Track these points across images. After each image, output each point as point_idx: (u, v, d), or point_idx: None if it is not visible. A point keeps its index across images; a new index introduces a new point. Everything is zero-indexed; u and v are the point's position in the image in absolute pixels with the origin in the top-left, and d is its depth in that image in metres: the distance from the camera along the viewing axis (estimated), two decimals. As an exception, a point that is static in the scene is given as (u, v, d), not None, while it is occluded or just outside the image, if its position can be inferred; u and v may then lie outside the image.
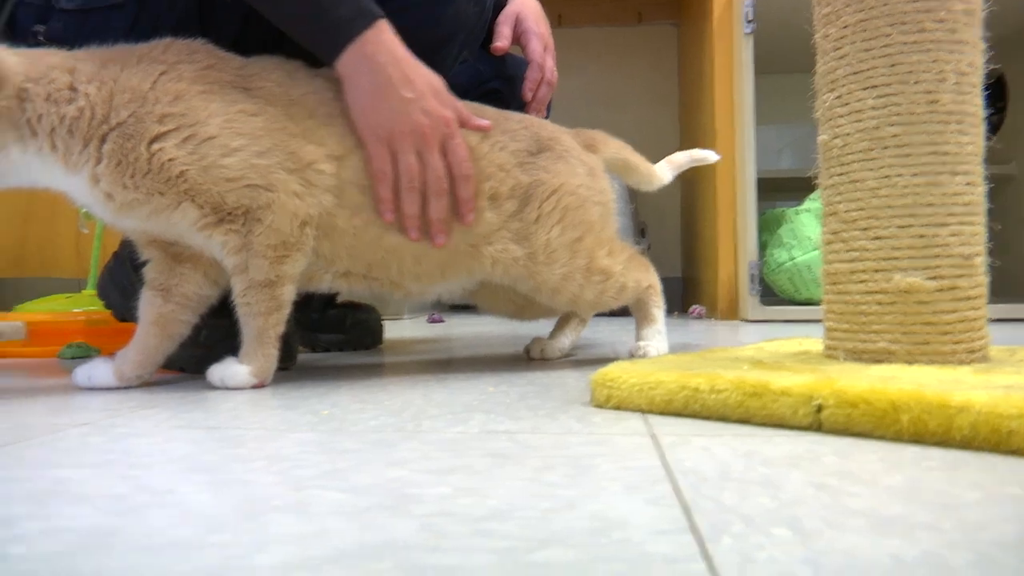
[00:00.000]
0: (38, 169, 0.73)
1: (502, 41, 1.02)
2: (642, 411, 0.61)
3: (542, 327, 1.11)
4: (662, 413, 0.60)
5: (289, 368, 0.98)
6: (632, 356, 0.93)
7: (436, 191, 0.81)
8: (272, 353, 0.79)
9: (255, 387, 0.78)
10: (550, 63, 1.10)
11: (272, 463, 0.46)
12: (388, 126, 0.79)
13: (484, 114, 0.88)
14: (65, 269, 2.10)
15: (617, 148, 1.01)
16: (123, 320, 1.02)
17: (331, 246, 0.81)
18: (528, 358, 1.03)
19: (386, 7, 0.82)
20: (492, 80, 1.04)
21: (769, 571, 0.28)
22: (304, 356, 1.18)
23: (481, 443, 0.51)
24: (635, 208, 2.27)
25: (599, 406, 0.64)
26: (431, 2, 0.89)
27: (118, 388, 0.78)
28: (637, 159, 1.03)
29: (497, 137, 0.87)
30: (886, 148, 0.68)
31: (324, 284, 0.85)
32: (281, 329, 0.79)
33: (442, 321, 2.02)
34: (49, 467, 0.46)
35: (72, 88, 0.72)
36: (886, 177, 0.68)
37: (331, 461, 0.46)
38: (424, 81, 0.81)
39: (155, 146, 0.72)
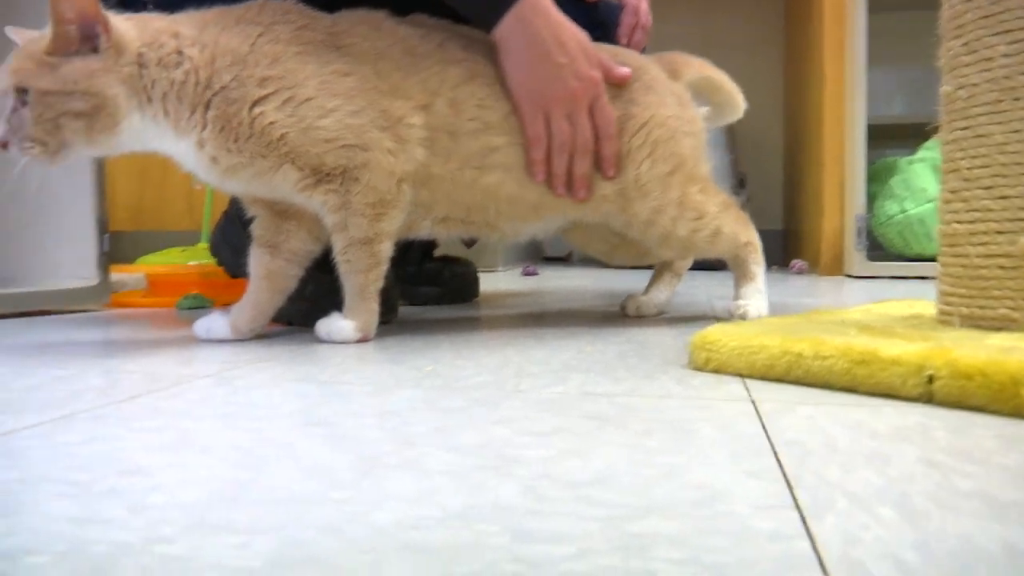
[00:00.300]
0: (153, 134, 0.76)
1: None
2: (741, 376, 0.61)
3: (636, 281, 1.11)
4: (763, 378, 0.60)
5: (390, 321, 1.01)
6: (731, 316, 0.91)
7: (582, 151, 0.84)
8: (374, 308, 0.82)
9: (359, 341, 0.81)
10: (644, 6, 1.07)
11: (383, 419, 0.48)
12: (544, 92, 0.82)
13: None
14: (179, 223, 2.22)
15: (699, 67, 0.98)
16: (235, 276, 1.08)
17: (429, 194, 0.83)
18: (623, 314, 1.03)
19: None
20: (584, 28, 1.02)
21: (874, 553, 0.28)
22: (403, 309, 1.22)
23: (581, 404, 0.52)
24: (734, 158, 2.20)
25: (698, 369, 0.64)
26: None
27: (234, 340, 0.83)
28: (721, 76, 1.00)
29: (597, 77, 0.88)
30: (1017, 100, 0.63)
31: (424, 231, 0.88)
32: (381, 284, 0.82)
33: (536, 274, 2.03)
34: (179, 417, 0.49)
35: (179, 52, 0.74)
36: (1016, 132, 0.63)
37: (438, 419, 0.48)
38: (575, 43, 0.83)
39: (256, 110, 0.74)
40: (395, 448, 0.42)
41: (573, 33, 0.83)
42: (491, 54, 0.85)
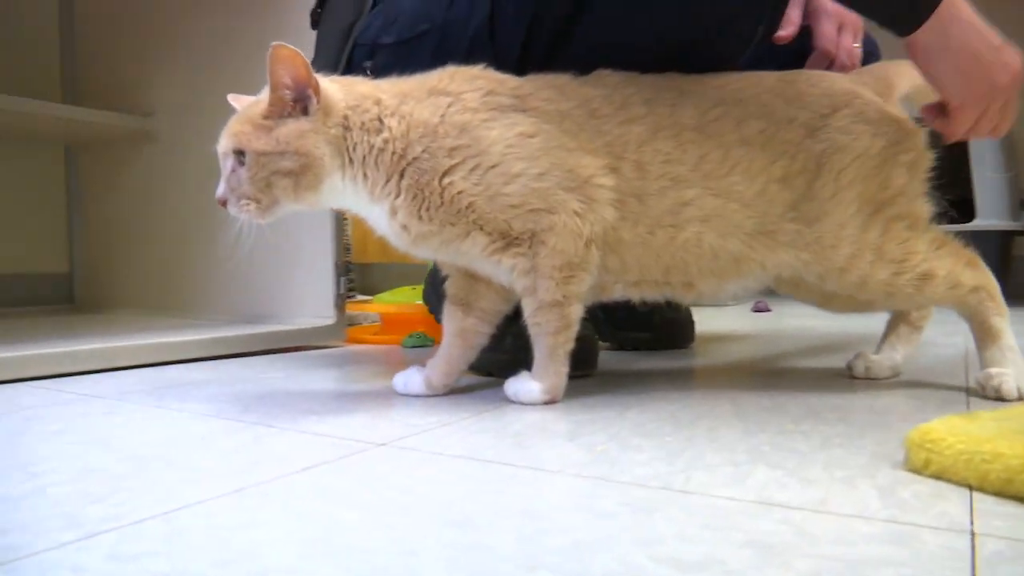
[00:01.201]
0: (351, 195, 0.79)
1: (787, 29, 0.89)
2: (970, 487, 0.50)
3: (874, 326, 0.97)
4: (999, 495, 0.48)
5: (589, 375, 0.98)
6: (983, 390, 0.76)
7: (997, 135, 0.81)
8: (562, 371, 0.79)
9: (546, 403, 0.79)
10: (847, 43, 0.95)
11: (524, 521, 0.45)
12: (992, 81, 0.76)
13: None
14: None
15: (911, 74, 0.84)
16: (440, 323, 1.11)
17: (619, 259, 0.80)
18: (850, 376, 0.91)
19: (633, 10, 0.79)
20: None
21: None
22: (611, 356, 1.18)
23: (749, 521, 0.45)
24: (1014, 175, 1.89)
25: (915, 471, 0.53)
26: None
27: (428, 396, 0.85)
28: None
29: (783, 111, 0.80)
30: None
31: (616, 294, 0.84)
32: (571, 346, 0.79)
33: (768, 310, 1.88)
34: (332, 501, 0.50)
35: (380, 119, 0.77)
36: None
37: (577, 529, 0.44)
38: (993, 36, 0.77)
39: (446, 180, 0.75)
40: (514, 570, 0.39)
41: (988, 32, 0.77)
42: (676, 100, 0.80)
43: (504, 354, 0.96)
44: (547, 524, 0.45)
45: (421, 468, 0.57)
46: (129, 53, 1.69)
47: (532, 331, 0.79)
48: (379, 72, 1.00)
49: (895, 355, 0.90)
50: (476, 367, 1.00)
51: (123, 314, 1.69)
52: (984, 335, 0.79)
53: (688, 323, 1.27)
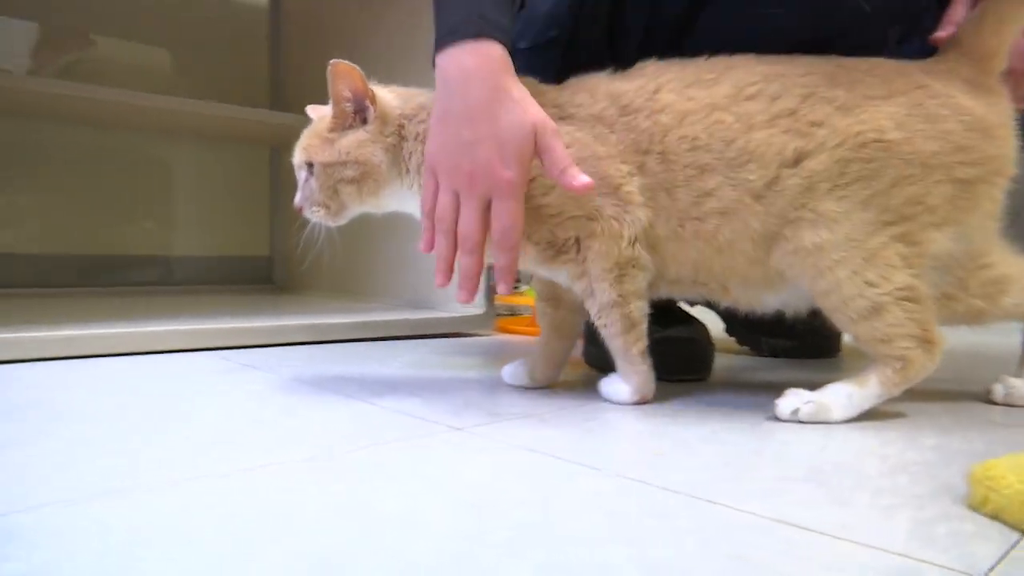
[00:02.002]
0: (411, 203, 0.84)
1: (946, 28, 0.81)
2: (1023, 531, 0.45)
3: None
4: (1050, 543, 0.44)
5: (703, 378, 0.97)
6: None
7: (463, 245, 0.73)
8: (643, 369, 0.79)
9: (638, 403, 0.80)
10: (1020, 44, 0.85)
11: (525, 512, 0.48)
12: (437, 157, 0.74)
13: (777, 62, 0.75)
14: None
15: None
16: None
17: (659, 256, 0.78)
18: (989, 401, 0.83)
19: (757, 5, 0.76)
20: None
21: None
22: (751, 361, 1.15)
23: (750, 535, 0.45)
24: None
25: (973, 508, 0.49)
26: None
27: (531, 388, 0.89)
28: None
29: (824, 92, 0.73)
30: None
31: (662, 292, 0.83)
32: (643, 344, 0.79)
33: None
34: (369, 480, 0.56)
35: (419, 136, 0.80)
36: None
37: (572, 524, 0.46)
38: (490, 130, 0.71)
39: None
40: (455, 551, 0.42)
41: (497, 113, 0.70)
42: (717, 78, 0.76)
43: (599, 348, 0.98)
44: (548, 518, 0.48)
45: (477, 454, 0.61)
46: (320, 60, 1.88)
47: (602, 333, 0.80)
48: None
49: None
50: (593, 362, 1.03)
51: (310, 295, 1.90)
52: (861, 376, 0.74)
53: (834, 333, 1.20)
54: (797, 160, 0.72)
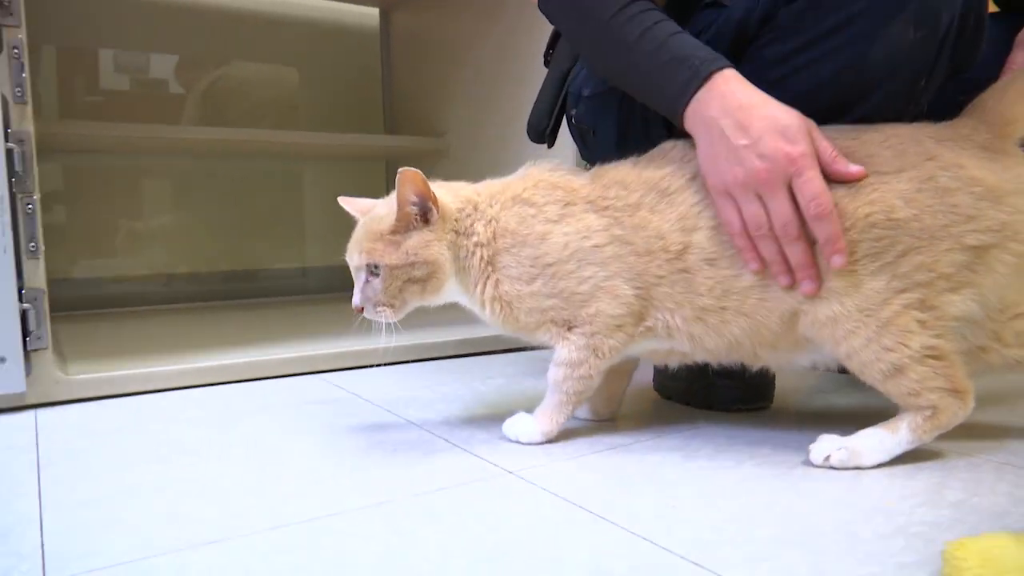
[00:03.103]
0: (458, 292, 0.89)
1: (1004, 75, 0.78)
2: (975, 615, 0.49)
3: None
4: (993, 629, 0.47)
5: (764, 407, 1.01)
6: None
7: (785, 236, 0.75)
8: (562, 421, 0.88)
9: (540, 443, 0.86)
10: None
11: (500, 562, 0.57)
12: (724, 178, 0.76)
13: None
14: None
15: None
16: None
17: (690, 336, 0.83)
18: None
19: (788, 62, 0.78)
20: None
21: None
22: (819, 382, 1.16)
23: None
24: None
25: (944, 585, 0.53)
26: (848, 42, 0.77)
27: (595, 421, 0.97)
28: None
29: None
30: None
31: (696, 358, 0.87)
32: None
33: None
34: (414, 532, 0.66)
35: (473, 224, 0.86)
36: None
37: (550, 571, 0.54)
38: (765, 124, 0.74)
39: (531, 288, 0.84)
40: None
41: (767, 114, 0.74)
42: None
43: (675, 380, 1.04)
44: (530, 566, 0.56)
45: (511, 502, 0.70)
46: (427, 86, 2.02)
47: (554, 375, 0.87)
48: (580, 120, 1.11)
49: None
50: (659, 390, 1.09)
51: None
52: (892, 422, 0.77)
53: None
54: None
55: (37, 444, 0.92)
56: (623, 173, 0.85)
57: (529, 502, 0.71)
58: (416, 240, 0.84)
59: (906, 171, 0.73)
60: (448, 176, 0.95)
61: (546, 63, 1.24)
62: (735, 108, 0.75)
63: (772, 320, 0.78)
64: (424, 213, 0.84)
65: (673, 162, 0.83)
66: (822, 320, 0.75)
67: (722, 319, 0.80)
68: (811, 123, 0.75)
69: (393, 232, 0.84)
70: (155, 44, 2.06)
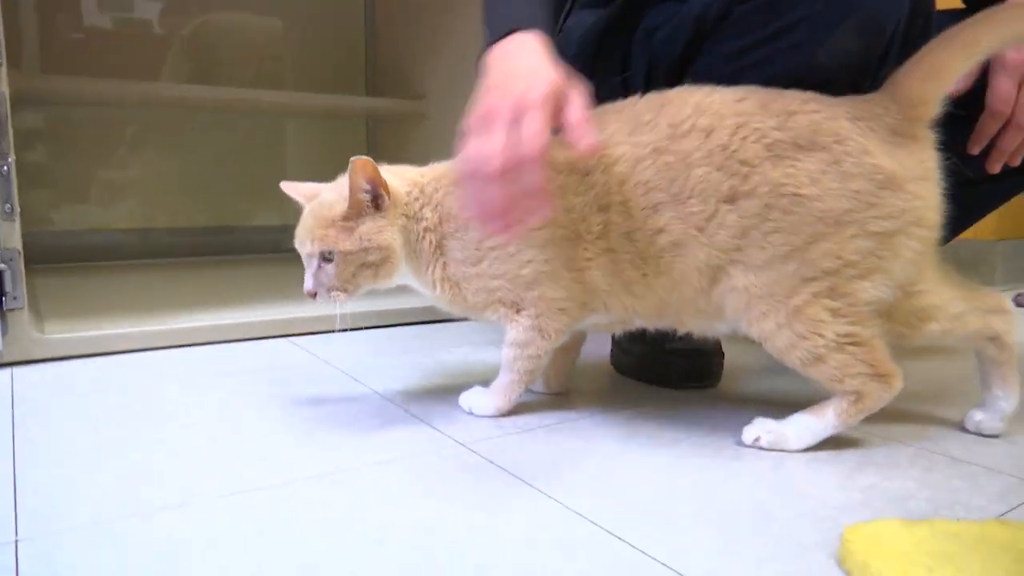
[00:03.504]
0: (407, 274, 0.92)
1: (956, 85, 0.82)
2: (857, 594, 0.55)
3: None
4: (869, 607, 0.53)
5: (711, 386, 1.06)
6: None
7: (489, 172, 0.72)
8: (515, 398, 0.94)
9: (492, 416, 0.91)
10: None
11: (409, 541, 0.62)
12: (469, 116, 0.75)
13: (751, 96, 0.79)
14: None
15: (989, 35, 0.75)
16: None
17: (624, 300, 0.87)
18: (962, 428, 0.88)
19: (740, 59, 0.81)
20: None
21: None
22: (769, 363, 1.22)
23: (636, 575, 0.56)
24: None
25: (840, 565, 0.59)
26: (793, 47, 0.80)
27: (546, 394, 1.02)
28: None
29: (756, 123, 0.77)
30: None
31: (630, 325, 0.92)
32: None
33: (1029, 306, 1.67)
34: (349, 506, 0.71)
35: (422, 209, 0.89)
36: None
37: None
38: (523, 70, 0.75)
39: (476, 269, 0.88)
40: None
41: (527, 65, 0.76)
42: (654, 119, 0.82)
43: (629, 356, 1.09)
44: (459, 541, 0.61)
45: (458, 474, 0.75)
46: (408, 48, 2.02)
47: (507, 355, 0.91)
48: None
49: (1003, 405, 0.85)
50: (618, 368, 1.14)
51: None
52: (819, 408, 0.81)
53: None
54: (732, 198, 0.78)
55: (12, 402, 0.96)
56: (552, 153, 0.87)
57: (476, 475, 0.76)
58: (369, 226, 0.86)
59: (816, 152, 0.75)
60: (427, 139, 0.98)
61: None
62: (508, 57, 0.78)
63: (691, 278, 0.81)
64: (375, 199, 0.86)
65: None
66: (738, 288, 0.79)
67: (647, 285, 0.84)
68: (578, 89, 0.75)
69: (346, 219, 0.85)
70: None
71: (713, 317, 0.84)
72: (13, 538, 0.62)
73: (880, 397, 0.79)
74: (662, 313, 0.86)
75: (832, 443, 0.83)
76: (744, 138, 0.77)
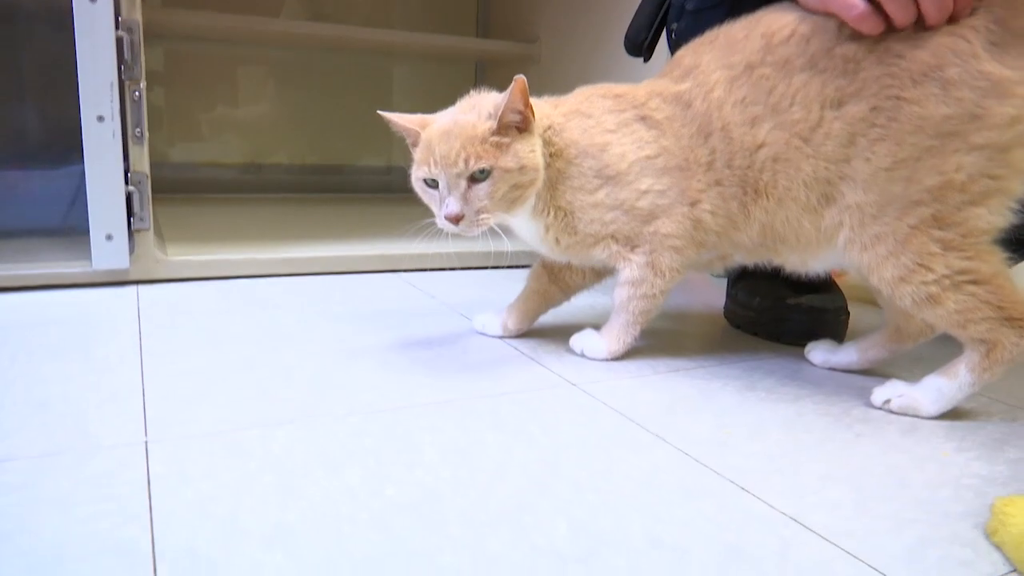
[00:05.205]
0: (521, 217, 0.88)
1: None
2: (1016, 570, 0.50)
3: None
4: (1029, 583, 0.48)
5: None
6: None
7: None
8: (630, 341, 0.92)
9: (606, 360, 0.87)
10: None
11: (533, 474, 0.60)
12: None
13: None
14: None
15: None
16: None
17: (730, 232, 0.85)
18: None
19: None
20: None
21: None
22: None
23: (750, 522, 0.54)
24: None
25: (988, 536, 0.54)
26: None
27: (511, 337, 0.99)
28: None
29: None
30: None
31: (733, 261, 0.90)
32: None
33: None
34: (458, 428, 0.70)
35: (552, 136, 0.86)
36: None
37: (595, 493, 0.58)
38: None
39: (594, 197, 0.86)
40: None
41: None
42: (747, 35, 0.80)
43: (746, 310, 1.05)
44: (595, 482, 0.59)
45: (571, 412, 0.74)
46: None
47: (620, 295, 0.90)
48: (681, 35, 1.08)
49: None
50: (730, 319, 1.10)
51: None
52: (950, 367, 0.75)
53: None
54: (839, 100, 0.74)
55: (139, 318, 1.00)
56: (662, 85, 0.87)
57: (588, 414, 0.74)
58: (523, 145, 0.81)
59: (925, 48, 0.70)
60: (539, 84, 0.95)
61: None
62: None
63: (798, 194, 0.78)
64: (524, 121, 0.82)
65: (693, 67, 0.84)
66: (851, 206, 0.74)
67: (747, 214, 0.82)
68: None
69: (499, 136, 0.80)
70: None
71: (817, 246, 0.80)
72: (144, 438, 0.64)
73: (1016, 345, 0.71)
74: (763, 241, 0.83)
75: (972, 414, 0.77)
76: (849, 36, 0.73)
